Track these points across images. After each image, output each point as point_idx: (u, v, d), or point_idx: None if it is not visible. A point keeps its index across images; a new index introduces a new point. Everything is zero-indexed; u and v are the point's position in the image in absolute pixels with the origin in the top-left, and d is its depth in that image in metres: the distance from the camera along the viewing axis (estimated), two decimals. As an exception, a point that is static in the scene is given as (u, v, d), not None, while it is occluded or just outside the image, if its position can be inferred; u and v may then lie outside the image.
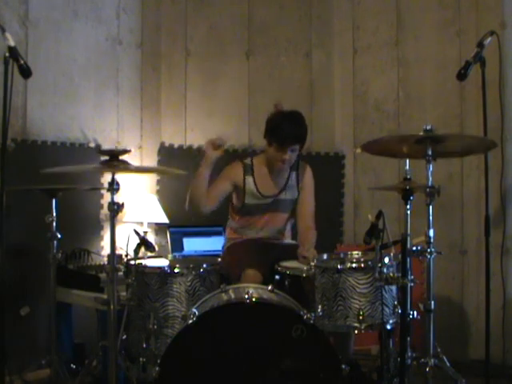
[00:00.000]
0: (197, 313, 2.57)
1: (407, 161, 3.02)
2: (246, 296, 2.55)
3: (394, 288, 2.74)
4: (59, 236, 3.28)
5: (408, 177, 3.01)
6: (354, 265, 2.72)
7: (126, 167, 2.59)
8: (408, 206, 2.78)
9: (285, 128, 3.28)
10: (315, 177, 3.58)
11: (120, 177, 2.66)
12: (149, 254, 3.03)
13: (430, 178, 2.84)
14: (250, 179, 3.43)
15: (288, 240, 3.59)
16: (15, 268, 3.58)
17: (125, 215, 4.26)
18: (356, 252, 3.01)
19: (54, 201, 3.28)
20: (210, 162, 3.25)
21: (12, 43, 2.71)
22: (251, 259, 3.17)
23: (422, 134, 2.74)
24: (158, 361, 2.53)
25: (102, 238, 4.31)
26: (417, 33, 4.44)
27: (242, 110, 4.68)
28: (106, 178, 4.02)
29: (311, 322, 2.54)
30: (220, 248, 3.69)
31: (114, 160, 2.58)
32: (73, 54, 4.23)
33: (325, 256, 2.92)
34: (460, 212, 4.24)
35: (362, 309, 2.67)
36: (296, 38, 4.77)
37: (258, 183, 3.43)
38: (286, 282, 2.95)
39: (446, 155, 2.98)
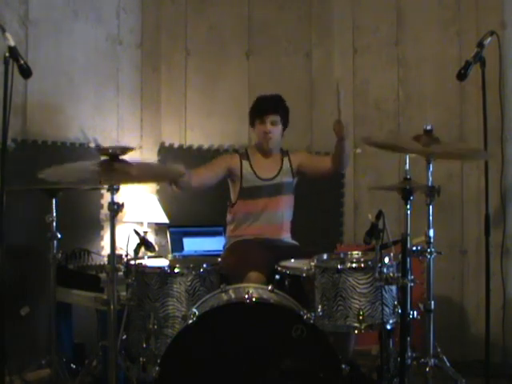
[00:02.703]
0: (197, 313, 2.57)
1: (407, 161, 3.02)
2: (246, 296, 2.55)
3: (393, 288, 2.74)
4: (59, 236, 3.28)
5: (408, 177, 3.01)
6: (354, 265, 2.72)
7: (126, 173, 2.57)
8: (408, 206, 2.78)
9: (261, 101, 3.58)
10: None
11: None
12: (149, 253, 3.03)
13: (430, 178, 2.84)
14: (246, 163, 3.55)
15: (288, 238, 3.59)
16: (15, 268, 3.57)
17: (125, 215, 4.26)
18: (356, 252, 3.01)
19: (54, 201, 3.28)
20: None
21: (12, 43, 2.71)
22: (254, 260, 3.18)
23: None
24: (158, 361, 2.53)
25: (102, 238, 4.31)
26: (417, 33, 4.44)
27: (241, 110, 4.66)
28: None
29: (311, 321, 2.54)
30: (220, 248, 3.69)
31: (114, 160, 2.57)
32: (73, 54, 4.23)
33: (325, 256, 2.91)
34: (460, 212, 4.24)
35: (362, 309, 2.68)
36: (296, 38, 4.76)
37: (254, 165, 3.55)
38: (286, 282, 2.94)
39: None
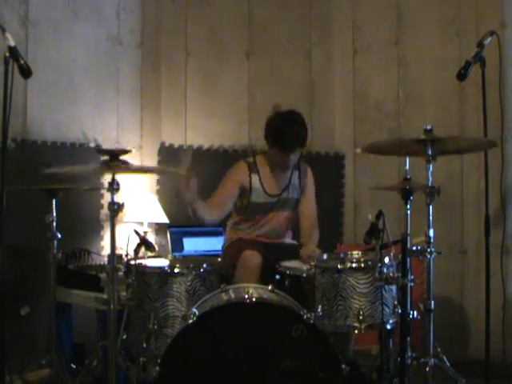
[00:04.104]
0: (197, 313, 2.57)
1: (407, 161, 3.02)
2: (246, 296, 2.55)
3: (393, 288, 2.74)
4: (59, 236, 3.28)
5: (408, 177, 3.00)
6: (354, 265, 2.73)
7: (127, 167, 2.59)
8: (408, 206, 2.78)
9: (288, 133, 3.28)
10: (315, 177, 3.61)
11: (120, 177, 2.66)
12: (149, 253, 3.03)
13: (430, 178, 2.83)
14: (255, 178, 3.42)
15: (288, 240, 3.59)
16: (15, 268, 3.58)
17: (125, 215, 4.26)
18: (356, 252, 3.01)
19: (54, 201, 3.28)
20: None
21: (12, 43, 2.71)
22: (249, 243, 3.24)
23: (422, 136, 2.74)
24: (158, 361, 2.53)
25: (102, 238, 4.31)
26: (417, 33, 4.45)
27: (241, 110, 4.68)
28: (106, 177, 4.02)
29: (311, 322, 2.54)
30: (220, 248, 3.69)
31: (114, 160, 2.58)
32: (73, 53, 4.23)
33: (325, 256, 2.92)
34: (460, 212, 4.24)
35: (362, 309, 2.68)
36: (296, 38, 4.77)
37: (263, 182, 3.43)
38: (286, 282, 2.95)
39: (446, 153, 2.98)
